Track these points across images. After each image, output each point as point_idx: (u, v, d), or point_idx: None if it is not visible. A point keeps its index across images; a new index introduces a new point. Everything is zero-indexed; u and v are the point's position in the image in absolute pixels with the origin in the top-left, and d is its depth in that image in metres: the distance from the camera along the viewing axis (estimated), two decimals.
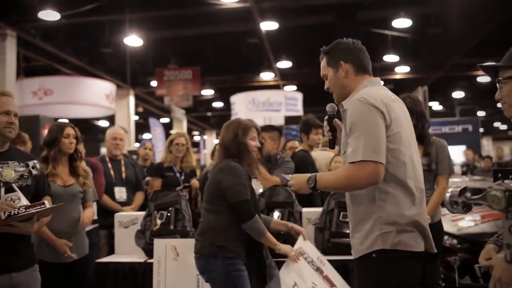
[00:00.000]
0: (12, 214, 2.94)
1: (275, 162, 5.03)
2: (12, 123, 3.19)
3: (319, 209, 4.42)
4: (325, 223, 4.23)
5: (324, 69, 2.95)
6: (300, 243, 3.76)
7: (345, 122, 2.72)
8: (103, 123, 24.41)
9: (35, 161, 3.27)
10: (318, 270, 3.71)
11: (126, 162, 5.80)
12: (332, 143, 3.09)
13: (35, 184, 3.29)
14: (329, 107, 3.06)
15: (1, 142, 3.20)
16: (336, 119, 3.07)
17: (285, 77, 19.10)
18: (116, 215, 4.81)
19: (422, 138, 4.28)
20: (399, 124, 2.68)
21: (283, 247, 3.65)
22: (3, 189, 3.05)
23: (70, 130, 4.20)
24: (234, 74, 19.40)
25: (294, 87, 20.29)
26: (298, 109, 18.38)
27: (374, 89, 2.77)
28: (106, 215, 5.13)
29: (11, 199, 3.04)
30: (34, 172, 3.23)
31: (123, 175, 5.65)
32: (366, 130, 2.56)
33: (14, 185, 3.09)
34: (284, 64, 17.32)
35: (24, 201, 3.07)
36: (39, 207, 3.05)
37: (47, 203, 3.15)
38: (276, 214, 4.26)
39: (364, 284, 2.74)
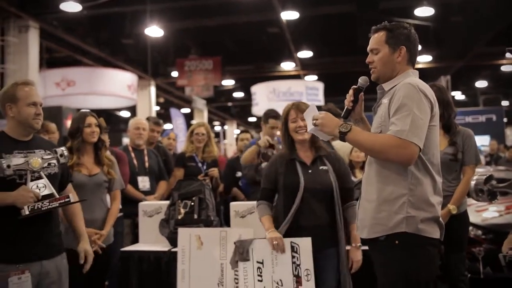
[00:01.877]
0: (36, 208, 3.00)
1: None
2: (39, 114, 3.22)
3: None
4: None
5: (378, 44, 2.92)
6: (302, 243, 3.55)
7: (388, 103, 2.76)
8: (125, 114, 24.57)
9: (63, 149, 3.30)
10: (297, 278, 3.53)
11: (149, 151, 5.82)
12: (347, 113, 3.07)
13: (61, 172, 3.33)
14: (362, 79, 3.07)
15: (27, 132, 3.23)
16: (362, 93, 3.07)
17: (305, 67, 19.00)
18: (140, 204, 4.84)
19: (448, 127, 4.25)
20: (437, 118, 2.79)
21: (270, 234, 3.55)
22: (29, 177, 3.08)
23: (91, 120, 4.21)
24: (255, 64, 19.37)
25: (315, 77, 20.18)
26: (319, 99, 18.29)
27: (421, 81, 2.82)
28: (129, 204, 5.16)
29: (37, 186, 3.08)
30: (62, 160, 3.27)
31: (146, 164, 5.68)
32: (416, 114, 2.63)
33: (42, 173, 3.13)
34: (305, 53, 17.23)
35: (50, 189, 3.11)
36: (63, 200, 3.11)
37: (72, 196, 3.19)
38: None
39: (384, 267, 2.78)
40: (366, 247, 3.43)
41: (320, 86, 19.15)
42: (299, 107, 3.67)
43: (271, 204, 3.74)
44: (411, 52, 2.91)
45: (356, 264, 3.60)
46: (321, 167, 3.64)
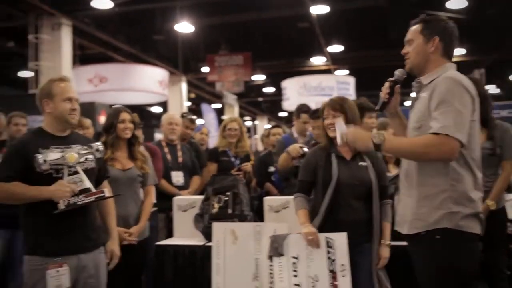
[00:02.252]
0: (72, 202, 3.04)
1: None
2: (75, 109, 3.26)
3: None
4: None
5: (413, 34, 2.93)
6: (337, 238, 3.51)
7: (428, 97, 2.73)
8: (157, 109, 24.76)
9: (99, 144, 3.34)
10: (332, 274, 3.49)
11: (182, 146, 5.85)
12: (382, 106, 3.07)
13: (98, 167, 3.37)
14: (398, 71, 3.06)
15: (64, 128, 3.28)
16: (398, 86, 3.05)
17: (336, 61, 18.86)
18: (175, 199, 4.86)
19: (486, 121, 4.16)
20: (478, 113, 2.76)
21: (305, 228, 3.53)
22: (66, 172, 3.12)
23: (125, 115, 4.25)
24: (285, 59, 19.30)
25: (346, 71, 20.03)
26: (350, 93, 18.14)
27: (461, 75, 2.78)
28: (164, 199, 5.20)
29: (74, 181, 3.12)
30: (98, 155, 3.30)
31: (180, 159, 5.71)
32: (458, 108, 2.61)
33: (78, 168, 3.16)
34: (335, 48, 17.11)
35: (87, 184, 3.15)
36: (98, 195, 3.14)
37: (107, 191, 3.23)
38: None
39: (424, 262, 2.75)
40: (397, 243, 3.42)
41: (351, 80, 18.99)
42: (331, 104, 3.68)
43: (308, 197, 3.72)
44: (446, 44, 2.88)
45: (383, 261, 3.57)
46: (360, 163, 3.62)
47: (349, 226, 3.49)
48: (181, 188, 5.55)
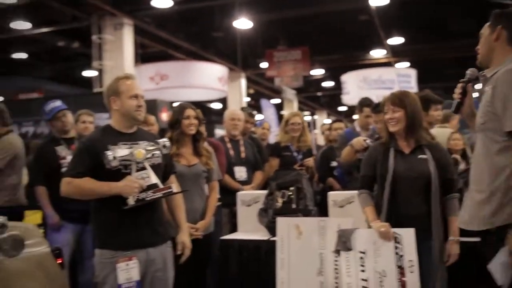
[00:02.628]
0: (140, 198, 3.10)
1: None
2: (141, 106, 3.32)
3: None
4: None
5: (483, 29, 2.91)
6: (405, 233, 3.42)
7: (491, 92, 2.65)
8: (216, 106, 24.99)
9: (165, 140, 3.39)
10: (400, 269, 3.41)
11: (245, 142, 5.88)
12: (457, 108, 3.01)
13: (165, 163, 3.42)
14: (470, 70, 3.00)
15: (131, 124, 3.34)
16: (470, 85, 2.98)
17: (397, 53, 18.52)
18: (239, 194, 4.89)
19: None
20: None
21: (376, 225, 3.46)
22: (134, 168, 3.19)
23: (190, 112, 4.29)
24: (344, 52, 19.11)
25: (407, 64, 19.64)
26: (411, 86, 17.77)
27: None
28: (227, 194, 5.24)
29: (142, 177, 3.18)
30: (164, 151, 3.35)
31: (242, 154, 5.74)
32: None
33: (146, 164, 3.22)
34: (396, 40, 16.80)
35: (154, 179, 3.20)
36: (166, 191, 3.19)
37: (174, 187, 3.27)
38: None
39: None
40: (467, 239, 3.32)
41: (413, 73, 18.60)
42: (391, 99, 3.59)
43: (372, 193, 3.67)
44: (511, 32, 2.77)
45: (453, 258, 3.46)
46: (419, 156, 3.52)
47: (409, 221, 3.39)
48: (244, 183, 5.58)
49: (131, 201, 3.10)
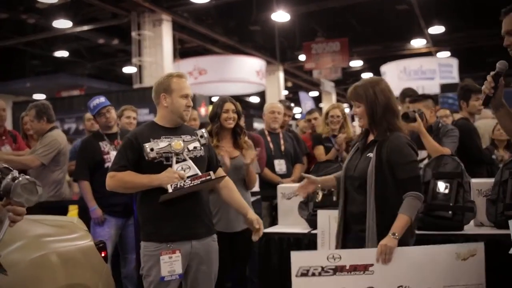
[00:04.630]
0: (179, 186, 3.10)
1: (437, 131, 4.80)
2: (190, 106, 3.36)
3: (490, 180, 4.13)
4: (498, 194, 3.96)
5: (510, 24, 2.70)
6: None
7: None
8: (254, 99, 25.03)
9: (203, 130, 3.41)
10: None
11: (284, 135, 5.86)
12: (487, 100, 2.89)
13: (208, 155, 3.43)
14: (500, 63, 2.85)
15: (177, 123, 3.38)
16: (502, 78, 2.85)
17: (437, 43, 18.23)
18: (279, 187, 4.88)
19: None
20: None
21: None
22: (174, 159, 3.22)
23: (229, 106, 4.29)
24: (383, 43, 18.92)
25: (448, 53, 19.29)
26: (453, 76, 17.49)
27: None
28: (267, 187, 5.23)
29: (182, 168, 3.20)
30: (202, 141, 3.36)
31: (282, 147, 5.72)
32: None
33: (185, 155, 3.24)
34: (437, 29, 16.52)
35: (195, 171, 3.20)
36: (204, 178, 3.16)
37: (212, 174, 3.25)
38: (443, 185, 4.05)
39: None
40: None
41: (454, 62, 18.28)
42: (350, 92, 3.30)
43: None
44: None
45: (379, 248, 3.03)
46: (367, 154, 3.23)
47: (354, 220, 3.20)
48: (284, 176, 5.56)
49: (169, 190, 3.12)
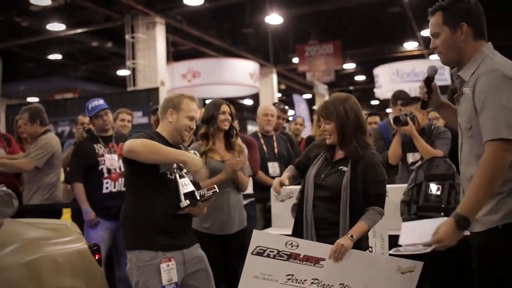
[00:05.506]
0: (203, 195, 3.25)
1: (429, 133, 4.84)
2: (192, 128, 3.44)
3: None
4: (412, 196, 4.03)
5: (437, 27, 2.71)
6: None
7: (472, 95, 2.54)
8: (248, 102, 25.06)
9: (195, 151, 3.45)
10: None
11: (277, 137, 5.89)
12: (425, 105, 3.01)
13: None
14: (430, 69, 2.94)
15: (176, 142, 3.43)
16: (434, 83, 2.95)
17: (430, 45, 18.31)
18: (272, 189, 4.90)
19: None
20: None
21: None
22: (178, 174, 3.26)
23: (225, 108, 4.34)
24: (376, 45, 18.97)
25: None
26: (445, 78, 17.52)
27: (502, 59, 2.58)
28: (261, 190, 5.26)
29: (184, 183, 3.26)
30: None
31: (276, 150, 5.75)
32: (506, 106, 2.40)
33: (184, 173, 3.30)
34: (429, 32, 16.58)
35: (192, 187, 3.27)
36: (213, 190, 3.28)
37: (217, 187, 3.33)
38: (435, 187, 4.09)
39: (490, 259, 2.57)
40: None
41: None
42: (320, 109, 3.36)
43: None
44: (475, 26, 2.63)
45: (335, 246, 3.08)
46: (340, 167, 3.28)
47: (324, 227, 3.24)
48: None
49: (183, 202, 3.19)
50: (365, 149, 3.24)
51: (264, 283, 3.09)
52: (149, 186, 3.25)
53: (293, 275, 3.09)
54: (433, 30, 2.74)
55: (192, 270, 3.34)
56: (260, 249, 3.07)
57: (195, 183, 3.45)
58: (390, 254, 2.76)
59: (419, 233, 2.63)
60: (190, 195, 3.22)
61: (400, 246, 2.75)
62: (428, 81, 2.95)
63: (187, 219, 3.40)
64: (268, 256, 3.07)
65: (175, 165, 3.24)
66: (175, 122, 3.37)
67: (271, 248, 3.08)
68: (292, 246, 3.08)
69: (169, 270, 3.19)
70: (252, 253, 3.08)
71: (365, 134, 3.30)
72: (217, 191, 3.29)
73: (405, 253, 2.64)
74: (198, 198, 3.22)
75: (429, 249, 2.50)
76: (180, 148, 3.43)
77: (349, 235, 3.07)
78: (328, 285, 3.09)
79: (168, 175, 3.27)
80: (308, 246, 3.12)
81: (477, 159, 2.54)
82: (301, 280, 3.09)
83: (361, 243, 3.20)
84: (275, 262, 3.08)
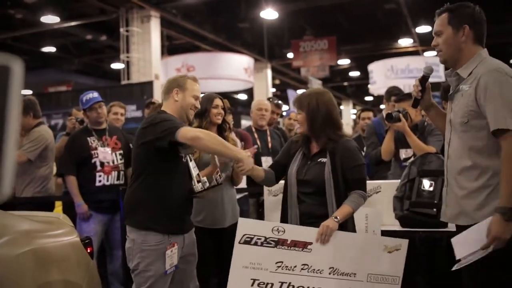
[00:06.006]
0: (219, 180, 3.36)
1: (422, 129, 4.85)
2: (197, 107, 3.52)
3: None
4: (405, 192, 4.05)
5: (441, 26, 2.88)
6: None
7: (474, 92, 2.71)
8: (242, 96, 25.04)
9: None
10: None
11: (271, 132, 5.89)
12: (417, 103, 3.10)
13: None
14: (426, 68, 3.09)
15: (183, 120, 3.45)
16: (428, 82, 3.07)
17: (424, 42, 18.29)
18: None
19: None
20: None
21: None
22: (189, 157, 3.39)
23: (218, 101, 4.32)
24: (371, 42, 18.99)
25: (435, 53, 19.35)
26: (440, 75, 17.55)
27: (500, 62, 2.76)
28: (254, 184, 5.24)
29: (194, 167, 3.37)
30: None
31: (269, 145, 5.75)
32: (509, 100, 2.61)
33: (190, 157, 3.41)
34: (424, 28, 16.62)
35: (197, 171, 3.38)
36: (220, 177, 3.41)
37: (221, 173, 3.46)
38: (427, 183, 4.10)
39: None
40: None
41: None
42: (295, 100, 3.51)
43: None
44: (476, 31, 2.83)
45: (321, 228, 3.15)
46: (319, 159, 3.36)
47: (312, 221, 3.26)
48: None
49: (195, 185, 3.27)
50: (339, 138, 3.37)
51: (254, 273, 3.10)
52: (167, 169, 3.29)
53: (282, 262, 3.12)
54: (437, 28, 2.91)
55: (186, 253, 3.43)
56: (247, 237, 3.09)
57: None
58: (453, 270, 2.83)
59: (470, 242, 2.71)
60: (201, 180, 3.31)
61: (459, 260, 2.82)
62: (424, 80, 3.05)
63: (191, 202, 3.50)
64: (255, 244, 3.09)
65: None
66: (181, 100, 3.43)
67: (258, 235, 3.10)
68: (279, 232, 3.12)
69: (172, 255, 3.26)
70: (239, 242, 3.10)
71: (338, 128, 3.41)
72: (223, 177, 3.47)
73: (468, 262, 2.71)
74: (216, 183, 3.31)
75: (490, 249, 2.60)
76: None
77: (333, 217, 3.15)
78: (318, 270, 3.14)
79: (184, 158, 3.37)
80: (294, 231, 3.16)
81: (470, 152, 2.74)
82: (291, 267, 3.12)
83: (347, 226, 3.27)
84: (263, 250, 3.10)
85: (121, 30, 13.75)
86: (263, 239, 3.10)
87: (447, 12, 2.87)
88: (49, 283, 2.92)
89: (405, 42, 18.36)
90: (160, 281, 3.25)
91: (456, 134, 2.83)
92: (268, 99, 6.56)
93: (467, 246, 2.73)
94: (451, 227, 3.86)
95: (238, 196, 4.69)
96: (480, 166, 2.72)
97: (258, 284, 3.10)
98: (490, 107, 2.62)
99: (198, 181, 3.31)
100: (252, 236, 3.09)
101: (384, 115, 5.62)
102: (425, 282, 3.72)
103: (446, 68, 3.05)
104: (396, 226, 4.00)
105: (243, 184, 4.86)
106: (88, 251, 3.45)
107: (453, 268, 2.80)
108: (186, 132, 3.11)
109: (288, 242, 3.11)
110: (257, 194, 5.23)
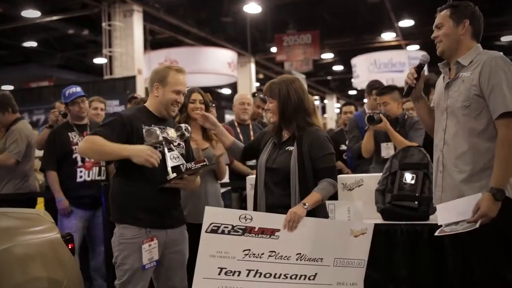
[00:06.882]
0: (189, 167, 3.22)
1: (403, 123, 4.88)
2: (179, 103, 3.42)
3: None
4: (387, 185, 4.08)
5: (442, 19, 3.06)
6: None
7: (478, 78, 2.87)
8: (226, 91, 25.00)
9: (186, 125, 3.44)
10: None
11: (254, 126, 5.88)
12: (409, 91, 3.15)
13: (186, 150, 3.52)
14: (424, 56, 3.16)
15: (162, 116, 3.42)
16: (423, 71, 3.15)
17: (407, 36, 18.42)
18: (248, 178, 4.88)
19: None
20: None
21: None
22: (166, 147, 3.27)
23: (196, 96, 4.25)
24: (354, 36, 19.02)
25: (417, 47, 19.51)
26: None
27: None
28: (237, 179, 5.25)
29: (173, 156, 3.27)
30: (186, 134, 3.42)
31: (252, 139, 5.73)
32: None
33: (173, 146, 3.32)
34: (406, 23, 16.71)
35: (182, 161, 3.29)
36: (202, 163, 3.29)
37: (207, 161, 3.36)
38: (409, 176, 4.12)
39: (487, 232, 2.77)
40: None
41: None
42: (265, 88, 3.47)
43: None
44: (475, 27, 3.03)
45: (287, 215, 3.13)
46: (287, 148, 3.38)
47: (275, 211, 3.27)
48: (253, 167, 5.55)
49: (170, 174, 3.18)
50: (309, 126, 3.35)
51: (221, 261, 3.08)
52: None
53: (249, 249, 3.10)
54: (438, 21, 3.09)
55: (169, 250, 3.36)
56: (214, 226, 3.05)
57: (188, 157, 3.50)
58: (435, 236, 2.88)
59: (456, 212, 2.79)
60: (178, 169, 3.22)
61: (441, 226, 2.88)
62: (419, 68, 3.14)
63: (174, 196, 3.40)
64: (223, 232, 3.06)
65: (161, 138, 3.22)
66: (161, 96, 3.36)
67: (225, 224, 3.07)
68: (246, 220, 3.09)
69: (150, 249, 3.21)
70: (206, 231, 3.05)
71: (309, 115, 3.38)
72: (207, 164, 3.31)
73: (452, 232, 2.77)
74: (183, 170, 3.20)
75: (477, 225, 2.71)
76: (167, 122, 3.43)
77: (302, 204, 3.15)
78: (285, 256, 3.14)
79: (159, 149, 3.23)
80: (262, 218, 3.15)
81: (470, 136, 2.89)
82: (258, 254, 3.11)
83: (317, 214, 3.27)
84: (230, 238, 3.07)
85: (103, 24, 13.65)
86: (230, 227, 3.07)
87: (450, 8, 3.05)
88: (29, 281, 2.90)
89: (388, 36, 18.44)
90: (138, 275, 3.21)
91: (454, 119, 2.97)
92: (254, 94, 6.54)
93: (452, 215, 2.82)
94: (433, 220, 3.90)
95: (221, 190, 4.68)
96: (481, 149, 2.86)
97: (226, 273, 3.07)
98: (496, 91, 2.79)
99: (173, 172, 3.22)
100: (219, 225, 3.05)
101: (366, 109, 5.66)
102: (408, 274, 3.73)
103: (430, 61, 3.15)
104: (378, 219, 4.01)
105: (226, 178, 4.86)
106: (69, 247, 3.43)
107: (436, 234, 2.90)
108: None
109: (256, 229, 3.09)
110: (240, 188, 5.22)
